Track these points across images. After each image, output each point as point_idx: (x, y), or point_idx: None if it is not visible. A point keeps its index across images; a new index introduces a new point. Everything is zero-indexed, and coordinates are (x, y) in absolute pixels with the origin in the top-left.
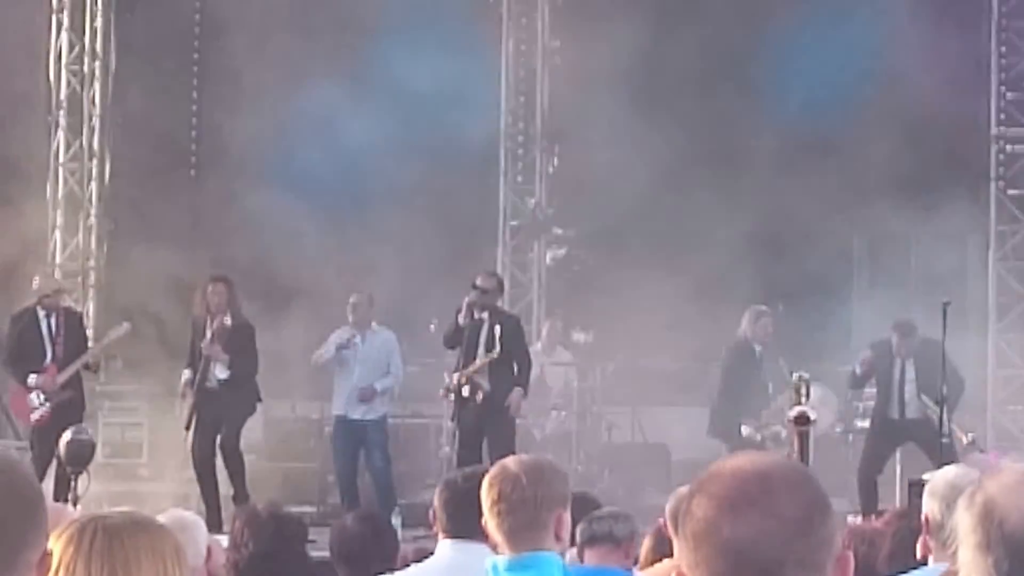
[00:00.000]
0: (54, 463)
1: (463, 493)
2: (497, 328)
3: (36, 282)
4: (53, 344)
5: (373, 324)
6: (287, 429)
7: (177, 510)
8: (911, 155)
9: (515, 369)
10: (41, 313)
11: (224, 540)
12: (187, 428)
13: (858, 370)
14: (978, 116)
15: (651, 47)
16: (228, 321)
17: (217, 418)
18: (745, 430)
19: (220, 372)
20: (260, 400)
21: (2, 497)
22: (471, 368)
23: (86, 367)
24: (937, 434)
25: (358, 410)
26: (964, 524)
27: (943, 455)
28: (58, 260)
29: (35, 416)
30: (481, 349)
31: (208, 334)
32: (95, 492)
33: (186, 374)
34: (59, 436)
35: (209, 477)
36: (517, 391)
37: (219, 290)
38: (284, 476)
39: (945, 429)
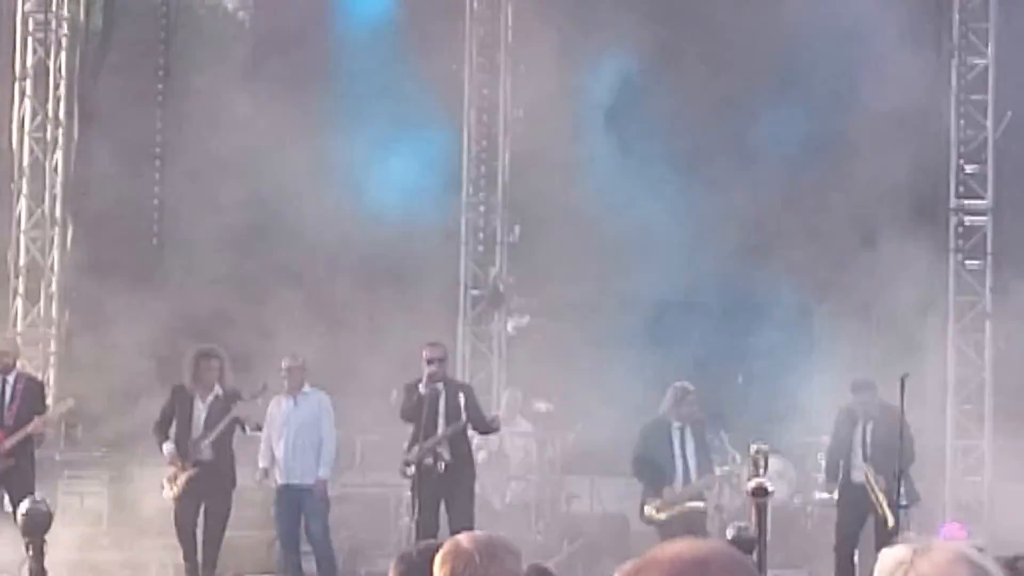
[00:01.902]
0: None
1: (419, 566)
2: (462, 398)
3: None
4: (4, 410)
5: (305, 386)
6: (247, 498)
7: None
8: (871, 226)
9: (475, 427)
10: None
11: None
12: (176, 499)
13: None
14: (938, 188)
15: (614, 118)
16: (221, 393)
17: (204, 490)
18: (647, 509)
19: (251, 431)
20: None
21: None
22: (435, 438)
23: (31, 439)
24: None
25: (286, 475)
26: None
27: (898, 527)
28: (19, 328)
29: None
30: (441, 420)
31: (201, 407)
32: (53, 561)
33: (168, 446)
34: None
35: (190, 542)
36: (497, 419)
37: (212, 366)
38: (244, 545)
39: (903, 500)
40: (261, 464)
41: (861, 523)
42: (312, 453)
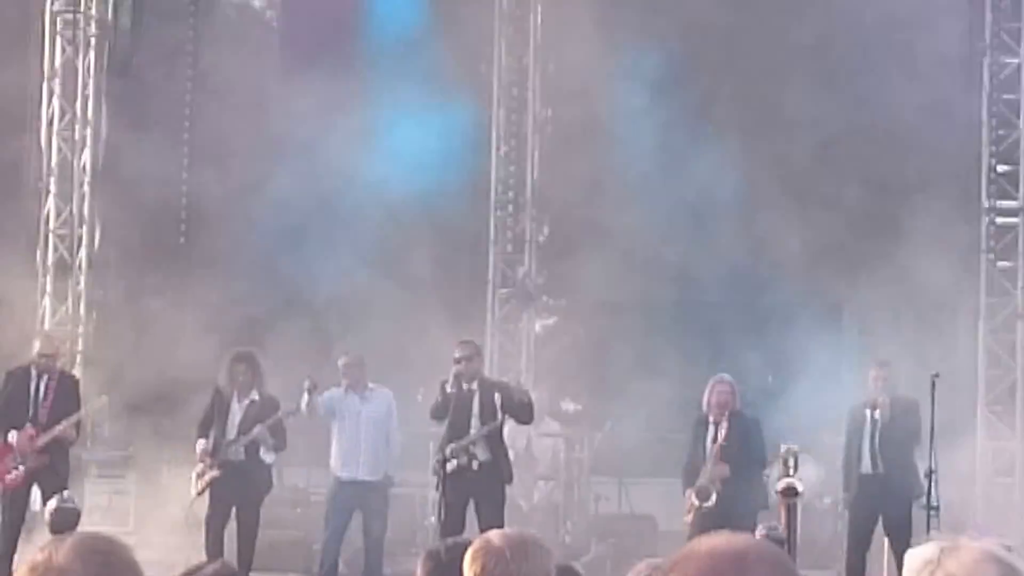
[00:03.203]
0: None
1: (446, 564)
2: (497, 397)
3: (36, 344)
4: (39, 406)
5: (369, 383)
6: (273, 496)
7: None
8: (902, 226)
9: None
10: (34, 373)
11: None
12: (199, 494)
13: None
14: (969, 188)
15: (641, 117)
16: (258, 399)
17: (235, 492)
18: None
19: (266, 456)
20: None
21: None
22: (469, 438)
23: (59, 440)
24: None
25: (353, 470)
26: None
27: (928, 525)
28: (47, 326)
29: (9, 478)
30: (475, 419)
31: (237, 409)
32: None
33: (202, 443)
34: (28, 500)
35: (216, 542)
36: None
37: (242, 370)
38: (269, 544)
39: (934, 501)
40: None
41: (874, 521)
42: (378, 451)
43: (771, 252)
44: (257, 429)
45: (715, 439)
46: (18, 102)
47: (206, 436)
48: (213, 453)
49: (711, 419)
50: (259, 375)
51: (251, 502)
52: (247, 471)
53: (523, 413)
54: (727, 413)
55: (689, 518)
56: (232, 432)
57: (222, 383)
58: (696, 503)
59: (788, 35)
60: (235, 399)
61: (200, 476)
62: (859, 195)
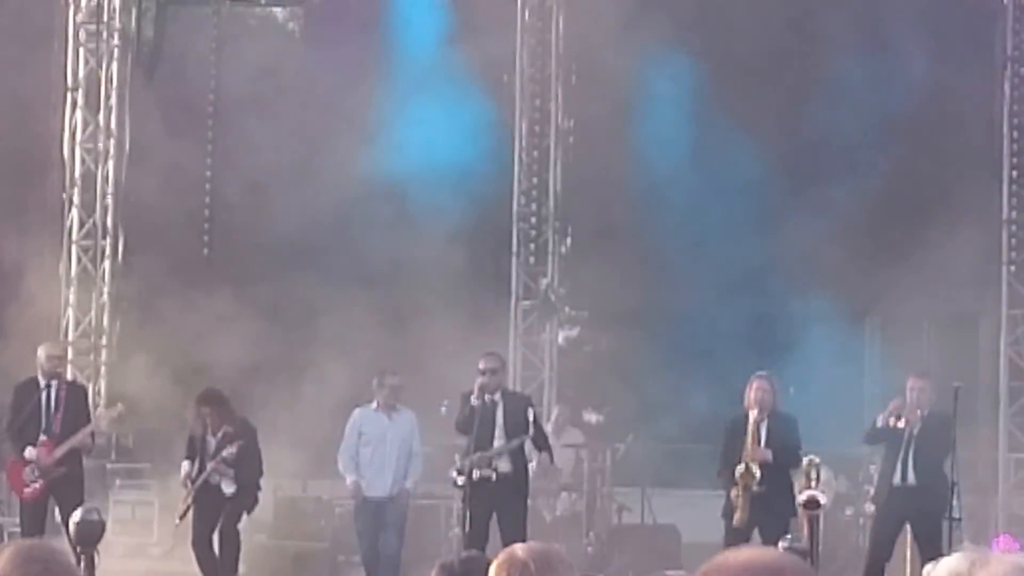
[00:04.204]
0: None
1: None
2: (530, 412)
3: (40, 352)
4: (51, 418)
5: (398, 404)
6: (298, 508)
7: None
8: (924, 237)
9: (535, 443)
10: (42, 384)
11: None
12: (180, 518)
13: (879, 422)
14: (990, 200)
15: (664, 126)
16: (231, 430)
17: (218, 509)
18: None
19: (227, 487)
20: (257, 502)
21: None
22: (496, 449)
23: (78, 449)
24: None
25: (380, 488)
26: None
27: (951, 537)
28: (70, 337)
29: (28, 491)
30: (499, 431)
31: (211, 442)
32: (104, 571)
33: (186, 465)
34: (46, 513)
35: (208, 558)
36: (546, 455)
37: (207, 413)
38: (294, 555)
39: (955, 513)
40: (349, 478)
41: (898, 532)
42: (400, 469)
43: (794, 263)
44: (209, 466)
45: (756, 439)
46: (42, 113)
47: (193, 457)
48: (195, 478)
49: (750, 417)
50: (227, 414)
51: (227, 520)
52: (222, 493)
53: (543, 447)
54: (766, 413)
55: (736, 516)
56: (208, 463)
57: (191, 422)
58: (742, 484)
59: (795, 51)
60: (207, 433)
61: (183, 500)
62: (879, 208)
